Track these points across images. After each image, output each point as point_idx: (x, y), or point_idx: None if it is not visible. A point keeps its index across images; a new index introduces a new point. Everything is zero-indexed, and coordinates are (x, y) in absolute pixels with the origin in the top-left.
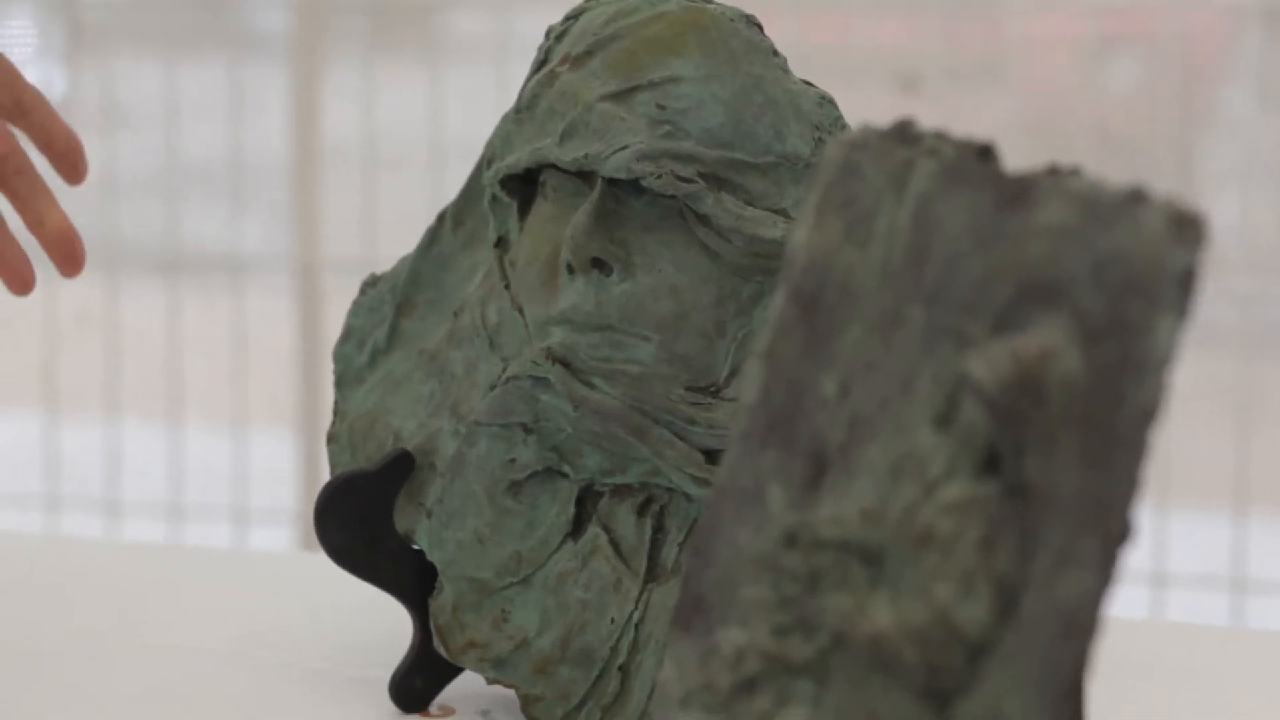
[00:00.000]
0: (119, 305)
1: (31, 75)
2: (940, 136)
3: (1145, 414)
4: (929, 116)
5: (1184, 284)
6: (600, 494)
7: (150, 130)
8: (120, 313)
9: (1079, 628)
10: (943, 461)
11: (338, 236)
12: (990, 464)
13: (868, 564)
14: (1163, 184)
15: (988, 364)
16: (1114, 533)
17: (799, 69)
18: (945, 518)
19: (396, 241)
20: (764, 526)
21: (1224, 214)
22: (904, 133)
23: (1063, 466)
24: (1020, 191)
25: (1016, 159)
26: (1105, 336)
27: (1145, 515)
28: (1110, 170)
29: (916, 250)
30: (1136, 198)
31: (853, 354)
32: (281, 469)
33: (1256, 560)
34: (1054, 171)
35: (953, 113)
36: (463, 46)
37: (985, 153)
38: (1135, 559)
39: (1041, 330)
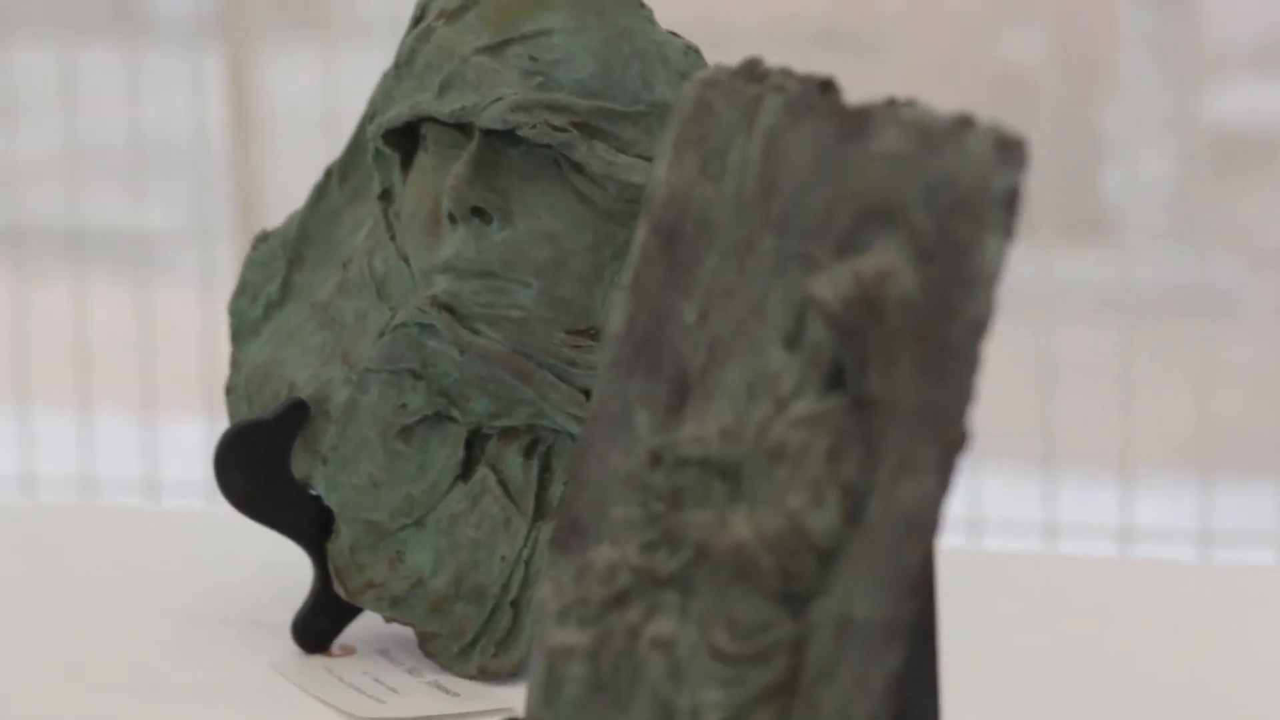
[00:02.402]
0: (26, 291)
1: None
2: (786, 73)
3: (977, 327)
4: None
5: (1008, 204)
6: (488, 437)
7: (51, 115)
8: (27, 298)
9: (920, 528)
10: (793, 379)
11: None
12: (836, 379)
13: (727, 479)
14: (1063, 149)
15: (830, 285)
16: (951, 439)
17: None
18: (795, 432)
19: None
20: (632, 449)
21: (1123, 178)
22: (752, 70)
23: (902, 379)
24: (859, 122)
25: None
26: (937, 255)
27: (1035, 477)
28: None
29: (766, 181)
30: (964, 124)
31: (711, 282)
32: (193, 450)
33: (1143, 516)
34: (891, 102)
35: (848, 84)
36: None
37: (827, 86)
38: (1028, 515)
39: (880, 252)
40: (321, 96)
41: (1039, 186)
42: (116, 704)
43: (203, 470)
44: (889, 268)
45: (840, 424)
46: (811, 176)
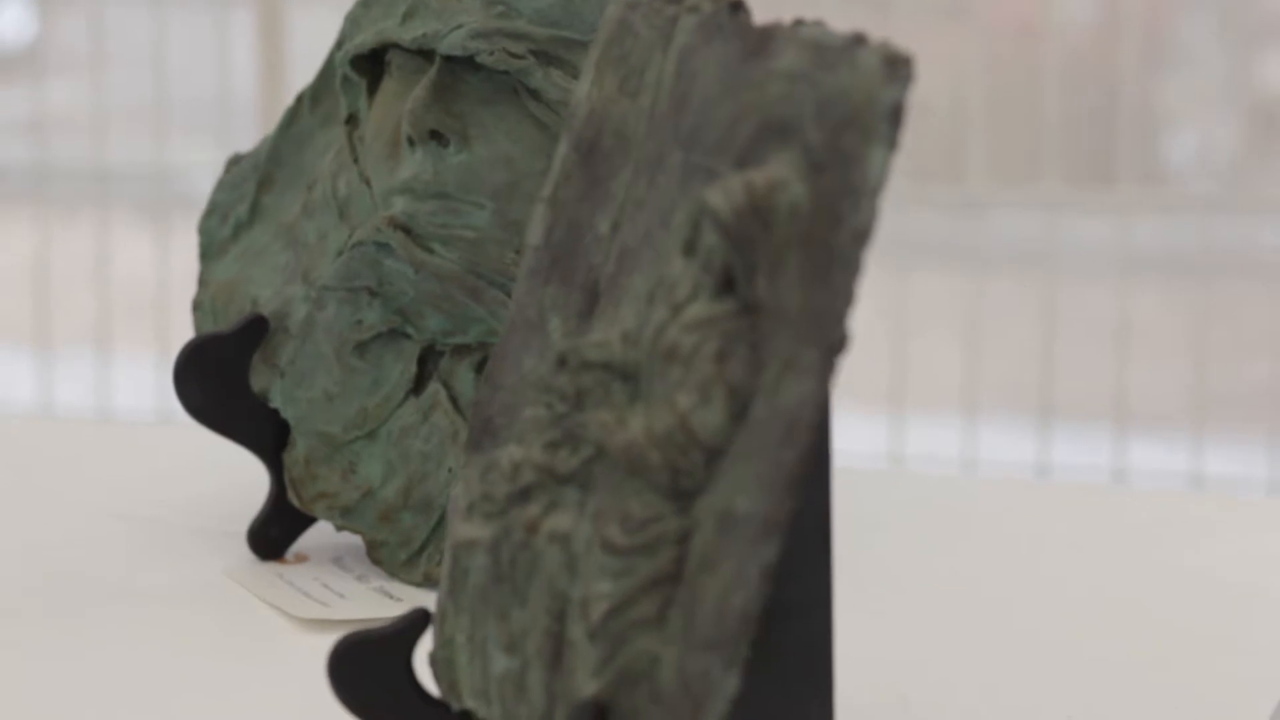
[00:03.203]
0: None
1: (6, 18)
2: None
3: (860, 235)
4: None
5: (894, 118)
6: (441, 353)
7: (129, 69)
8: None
9: (799, 428)
10: (688, 285)
11: None
12: (727, 285)
13: (627, 382)
14: (1126, 115)
15: (723, 194)
16: (833, 342)
17: None
18: (687, 334)
19: None
20: (544, 354)
21: (1184, 144)
22: None
23: (788, 284)
24: (763, 41)
25: (979, 90)
26: (827, 167)
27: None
28: (1073, 102)
29: (678, 98)
30: (856, 41)
31: (624, 195)
32: None
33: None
34: (798, 23)
35: (915, 45)
36: None
37: (736, 7)
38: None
39: (773, 164)
40: None
41: (1097, 147)
42: (79, 601)
43: None
44: (779, 179)
45: (729, 327)
46: (718, 93)
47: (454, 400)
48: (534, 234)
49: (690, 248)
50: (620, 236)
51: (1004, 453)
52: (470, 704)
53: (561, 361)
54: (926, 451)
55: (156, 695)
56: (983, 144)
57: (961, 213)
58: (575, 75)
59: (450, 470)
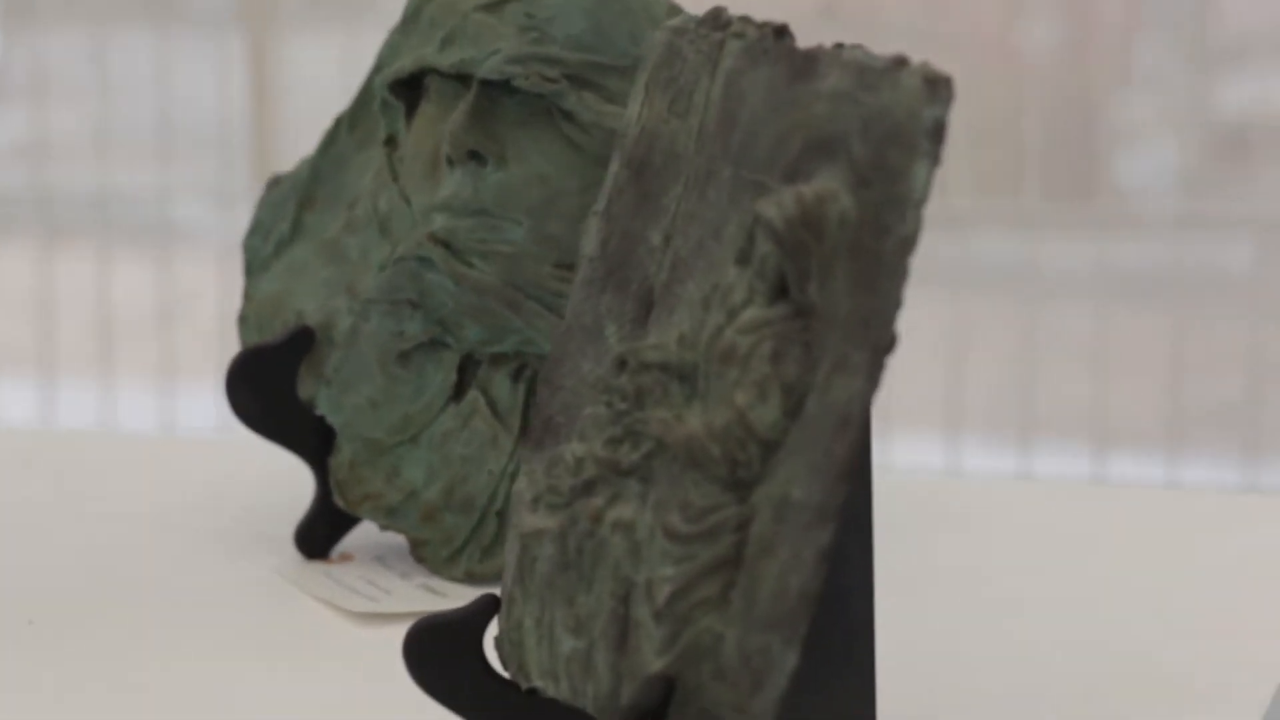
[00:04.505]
0: (52, 257)
1: None
2: (746, 20)
3: (905, 244)
4: None
5: (936, 135)
6: (479, 362)
7: (83, 98)
8: (54, 278)
9: (850, 423)
10: (743, 291)
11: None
12: (780, 290)
13: (684, 382)
14: (1078, 137)
15: (776, 206)
16: (881, 344)
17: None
18: (744, 336)
19: None
20: (602, 358)
21: (1139, 166)
22: (717, 19)
23: (838, 290)
24: (808, 64)
25: (957, 107)
26: (872, 181)
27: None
28: (1026, 123)
29: (726, 118)
30: (899, 64)
31: (675, 208)
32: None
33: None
34: (839, 46)
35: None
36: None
37: (781, 32)
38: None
39: (822, 178)
40: (340, 77)
41: (1048, 168)
42: (138, 600)
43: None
44: (829, 191)
45: (783, 330)
46: (765, 113)
47: (492, 406)
48: (589, 245)
49: (744, 256)
50: (673, 247)
51: (984, 467)
52: (539, 683)
53: (621, 363)
54: (909, 466)
55: (211, 683)
56: (963, 160)
57: (943, 228)
58: (606, 98)
59: (490, 472)
